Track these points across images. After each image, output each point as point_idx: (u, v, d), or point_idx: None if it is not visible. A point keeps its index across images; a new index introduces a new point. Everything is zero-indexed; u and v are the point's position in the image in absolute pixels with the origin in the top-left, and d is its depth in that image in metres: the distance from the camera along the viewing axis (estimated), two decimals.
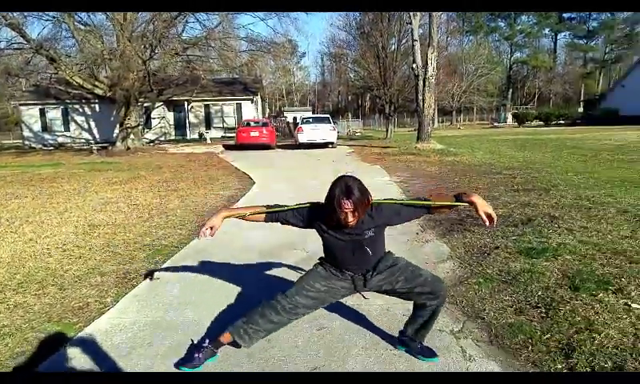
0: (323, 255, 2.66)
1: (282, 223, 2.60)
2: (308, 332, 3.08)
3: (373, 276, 2.56)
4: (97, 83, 22.63)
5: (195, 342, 2.85)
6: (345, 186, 2.28)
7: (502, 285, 3.70)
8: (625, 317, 2.96)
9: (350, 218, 2.30)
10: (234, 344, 2.66)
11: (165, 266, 4.69)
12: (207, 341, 2.73)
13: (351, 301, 3.52)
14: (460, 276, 4.00)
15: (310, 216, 2.53)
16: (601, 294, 3.31)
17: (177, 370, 2.49)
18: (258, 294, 3.77)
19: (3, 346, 3.06)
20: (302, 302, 2.55)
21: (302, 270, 4.27)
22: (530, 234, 5.00)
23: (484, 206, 2.36)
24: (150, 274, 4.35)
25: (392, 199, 2.57)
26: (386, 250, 2.65)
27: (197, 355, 2.66)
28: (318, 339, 2.97)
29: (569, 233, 4.98)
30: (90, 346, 3.00)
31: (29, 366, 2.79)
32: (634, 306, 3.10)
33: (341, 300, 2.78)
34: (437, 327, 3.05)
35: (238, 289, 3.92)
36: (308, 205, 2.56)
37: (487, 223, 2.35)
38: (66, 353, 2.93)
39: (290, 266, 4.44)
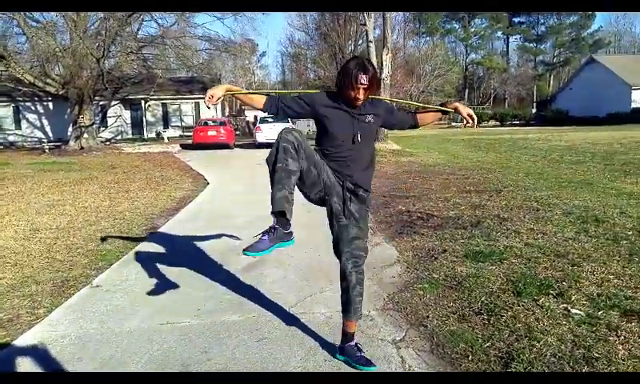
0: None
1: (284, 111, 2.57)
2: (247, 344, 2.95)
3: (357, 194, 2.56)
4: (49, 81, 21.84)
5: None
6: (362, 63, 2.36)
7: (447, 290, 3.68)
8: (564, 323, 2.96)
9: (362, 96, 2.37)
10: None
11: (106, 272, 4.48)
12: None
13: (294, 309, 3.44)
14: (406, 281, 3.95)
15: (315, 99, 2.54)
16: (542, 299, 3.32)
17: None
18: (203, 301, 3.64)
19: None
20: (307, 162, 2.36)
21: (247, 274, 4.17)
22: (479, 237, 5.02)
23: (466, 109, 2.71)
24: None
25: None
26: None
27: (263, 238, 2.33)
28: (256, 351, 2.85)
29: (516, 235, 5.04)
30: (13, 363, 2.80)
31: None
32: (573, 311, 3.12)
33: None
34: (379, 336, 3.01)
35: (183, 297, 3.75)
36: (312, 91, 2.61)
37: (470, 122, 2.69)
38: None
39: (238, 271, 4.31)
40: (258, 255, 2.33)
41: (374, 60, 18.65)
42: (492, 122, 46.46)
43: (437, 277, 3.96)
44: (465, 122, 2.70)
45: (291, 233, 2.38)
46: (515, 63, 72.08)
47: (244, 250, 2.31)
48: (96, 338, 3.10)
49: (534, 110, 51.38)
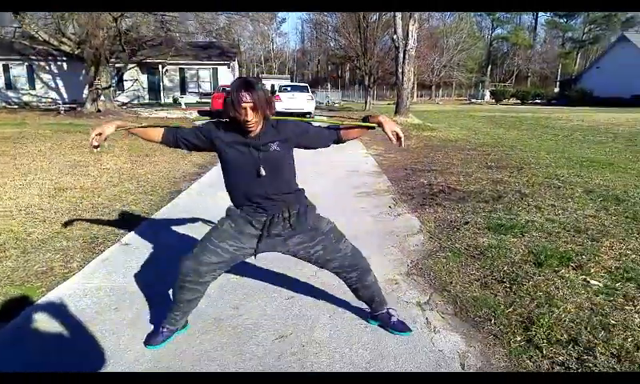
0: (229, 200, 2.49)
1: (183, 144, 2.42)
2: (277, 301, 3.10)
3: (294, 229, 2.42)
4: (63, 40, 21.19)
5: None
6: (245, 81, 2.16)
7: (469, 259, 3.78)
8: (583, 292, 3.07)
9: (250, 116, 2.14)
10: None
11: (134, 231, 4.58)
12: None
13: (320, 273, 3.54)
14: (429, 250, 4.06)
15: (211, 130, 2.34)
16: (562, 270, 3.42)
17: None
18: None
19: None
20: (209, 260, 2.49)
21: None
22: (500, 211, 5.10)
23: (391, 125, 2.38)
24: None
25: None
26: (308, 202, 2.53)
27: (161, 330, 2.61)
28: (287, 308, 3.00)
29: (537, 210, 5.10)
30: (54, 310, 2.94)
31: None
32: (592, 282, 3.22)
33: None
34: (403, 298, 3.13)
35: None
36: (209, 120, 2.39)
37: (394, 141, 2.39)
38: (30, 316, 2.87)
39: None
40: (159, 347, 2.56)
41: (399, 30, 18.49)
42: (512, 101, 45.83)
43: (459, 246, 4.06)
44: (390, 140, 2.39)
45: (186, 321, 2.72)
46: (542, 40, 70.52)
47: (145, 344, 2.58)
48: (130, 290, 3.26)
49: (556, 89, 50.46)
